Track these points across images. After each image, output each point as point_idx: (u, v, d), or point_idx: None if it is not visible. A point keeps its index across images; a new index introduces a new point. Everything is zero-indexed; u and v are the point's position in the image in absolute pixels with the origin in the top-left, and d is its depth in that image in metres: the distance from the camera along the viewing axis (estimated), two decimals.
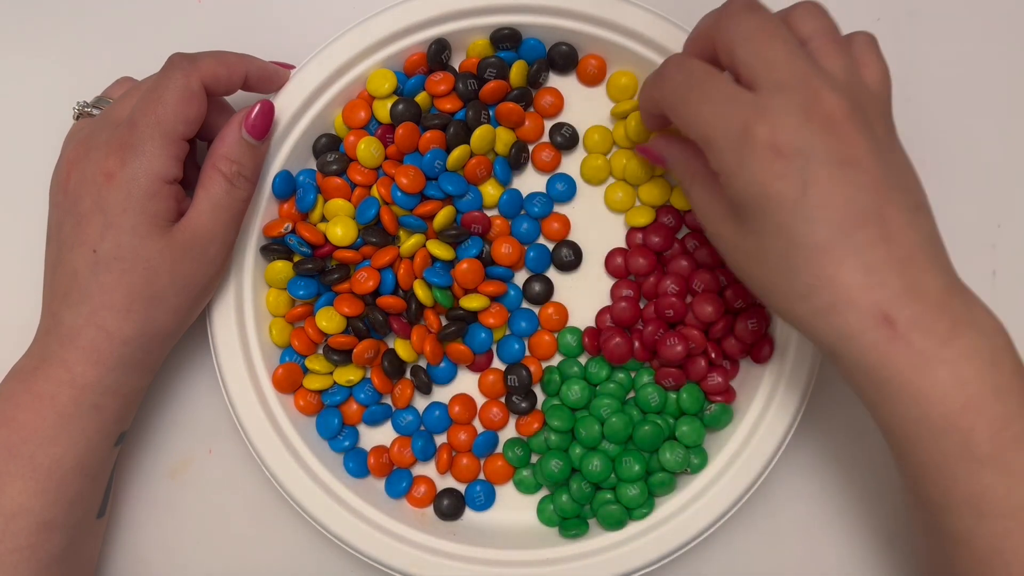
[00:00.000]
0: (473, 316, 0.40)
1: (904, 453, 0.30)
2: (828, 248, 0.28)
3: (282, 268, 0.40)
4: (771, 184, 0.28)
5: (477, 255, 0.40)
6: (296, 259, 0.40)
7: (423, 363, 0.41)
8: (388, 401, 0.41)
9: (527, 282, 0.41)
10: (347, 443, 0.40)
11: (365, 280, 0.39)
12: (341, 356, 0.40)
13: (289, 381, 0.40)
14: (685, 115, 0.31)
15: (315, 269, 0.39)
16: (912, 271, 0.28)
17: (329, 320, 0.39)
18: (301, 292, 0.40)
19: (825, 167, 0.28)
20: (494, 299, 0.40)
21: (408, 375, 0.41)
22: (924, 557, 0.33)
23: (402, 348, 0.40)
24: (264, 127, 0.37)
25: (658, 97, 0.33)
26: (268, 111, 0.38)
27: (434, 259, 0.40)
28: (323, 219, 0.41)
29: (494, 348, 0.41)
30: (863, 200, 0.28)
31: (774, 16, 0.31)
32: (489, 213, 0.42)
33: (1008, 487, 0.28)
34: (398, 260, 0.40)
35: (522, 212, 0.42)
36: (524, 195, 0.42)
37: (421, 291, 0.39)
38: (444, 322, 0.41)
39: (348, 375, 0.40)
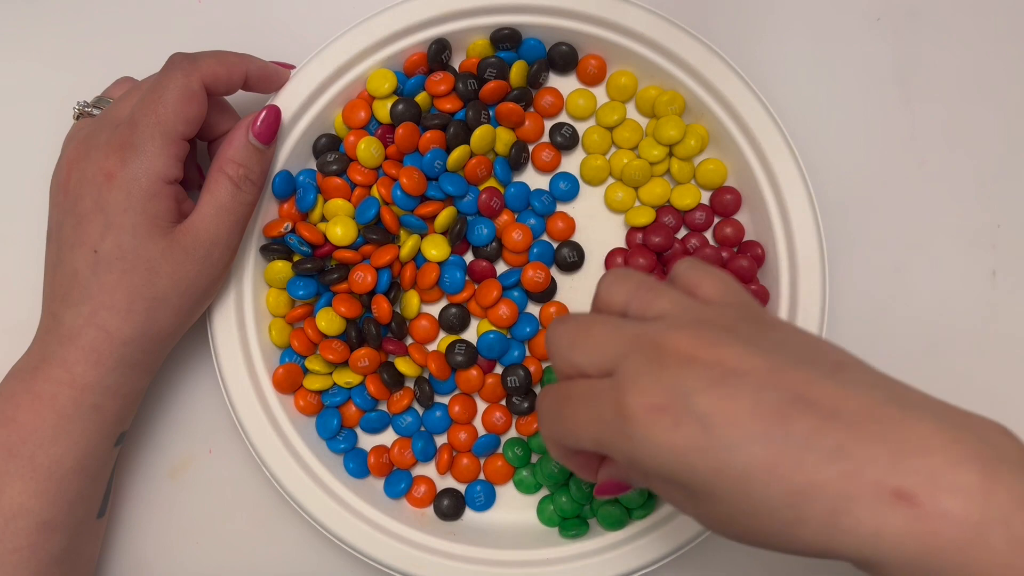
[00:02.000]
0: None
1: None
2: (777, 461, 0.23)
3: (282, 268, 0.40)
4: (672, 439, 0.24)
5: (487, 243, 0.41)
6: (296, 259, 0.40)
7: (425, 373, 0.41)
8: (385, 407, 0.41)
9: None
10: (346, 444, 0.40)
11: (363, 279, 0.39)
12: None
13: (289, 382, 0.40)
14: (569, 435, 0.28)
15: (314, 269, 0.39)
16: (888, 429, 0.23)
17: (329, 321, 0.39)
18: (300, 292, 0.40)
19: (710, 392, 0.24)
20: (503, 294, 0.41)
21: (409, 384, 0.41)
22: None
23: (402, 363, 0.40)
24: (271, 132, 0.37)
25: (547, 433, 0.29)
26: (275, 116, 0.38)
27: (443, 272, 0.40)
28: (323, 219, 0.41)
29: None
30: (769, 397, 0.24)
31: (581, 314, 0.29)
32: None
33: None
34: (398, 262, 0.40)
35: (527, 208, 0.42)
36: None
37: (412, 301, 0.40)
38: (442, 315, 0.41)
39: (347, 377, 0.40)
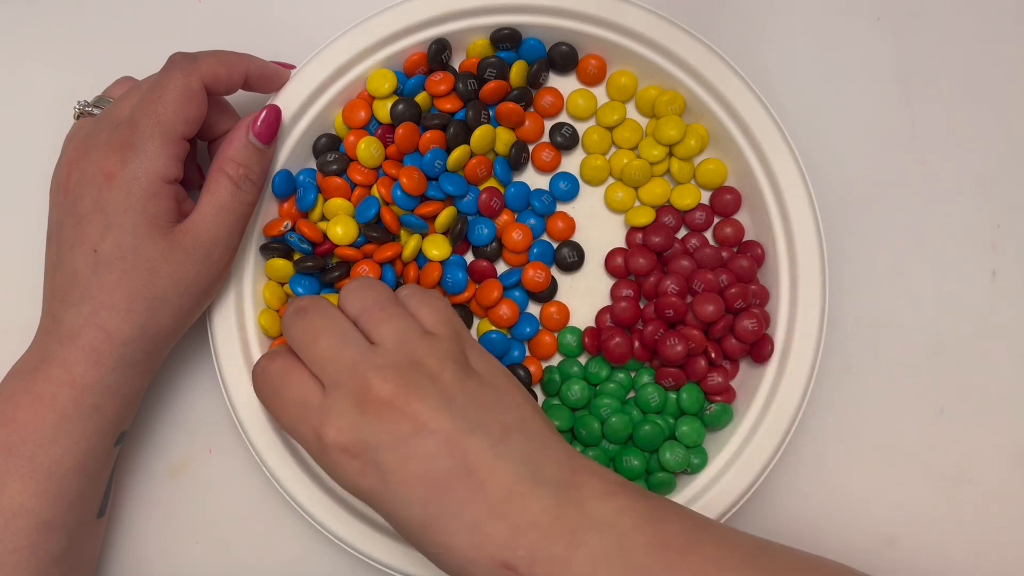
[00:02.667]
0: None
1: None
2: (428, 524, 0.29)
3: (283, 266, 0.40)
4: (356, 483, 0.30)
5: (488, 243, 0.41)
6: (296, 257, 0.40)
7: None
8: None
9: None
10: None
11: (365, 275, 0.39)
12: None
13: None
14: (276, 419, 0.32)
15: (316, 268, 0.39)
16: (513, 508, 0.29)
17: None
18: (301, 290, 0.40)
19: (394, 450, 0.29)
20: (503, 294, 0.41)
21: None
22: None
23: None
24: (271, 132, 0.37)
25: (258, 397, 0.34)
26: (275, 116, 0.38)
27: (445, 272, 0.40)
28: (323, 218, 0.41)
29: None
30: (441, 465, 0.29)
31: (325, 309, 0.33)
32: None
33: None
34: (399, 261, 0.40)
35: (527, 207, 0.42)
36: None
37: None
38: None
39: None
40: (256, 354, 0.39)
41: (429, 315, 0.33)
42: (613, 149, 0.43)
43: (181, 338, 0.38)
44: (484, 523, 0.29)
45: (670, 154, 0.42)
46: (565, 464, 0.30)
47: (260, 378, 0.33)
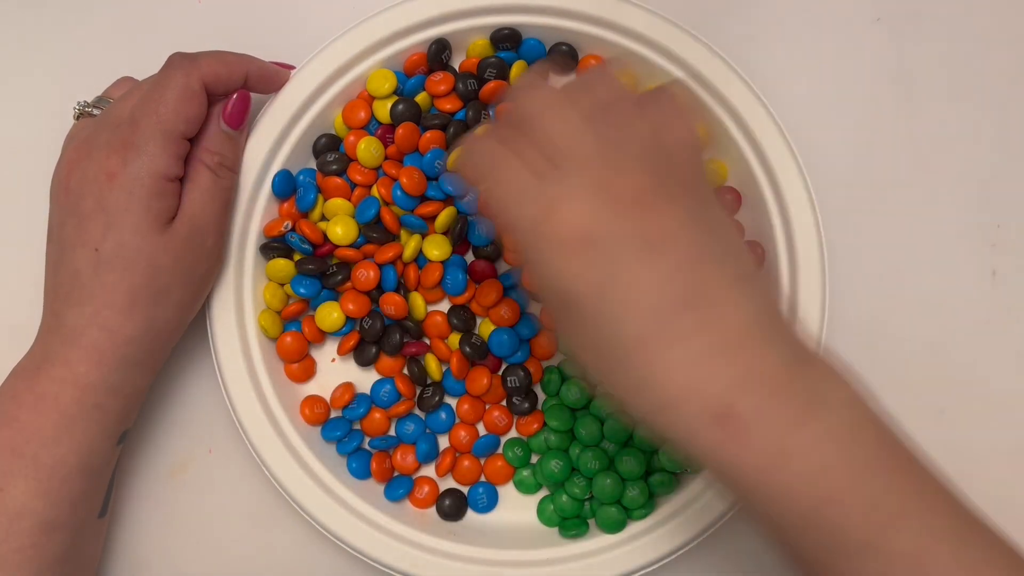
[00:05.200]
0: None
1: (776, 543, 0.28)
2: (645, 343, 0.26)
3: (284, 266, 0.40)
4: (574, 278, 0.26)
5: (488, 243, 0.41)
6: (297, 257, 0.40)
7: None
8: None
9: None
10: (352, 444, 0.40)
11: (366, 276, 0.39)
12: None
13: (296, 350, 0.41)
14: (487, 198, 0.28)
15: (317, 270, 0.40)
16: (745, 354, 0.26)
17: (329, 318, 0.40)
18: (302, 291, 0.40)
19: (630, 253, 0.26)
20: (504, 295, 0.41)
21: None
22: None
23: (430, 361, 0.40)
24: (240, 117, 0.38)
25: (465, 174, 0.30)
26: (244, 100, 0.38)
27: (445, 272, 0.40)
28: (323, 219, 0.41)
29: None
30: (678, 283, 0.26)
31: (554, 91, 0.29)
32: None
33: (886, 571, 0.25)
34: (400, 261, 0.40)
35: None
36: None
37: (418, 302, 0.40)
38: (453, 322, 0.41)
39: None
40: (256, 354, 0.39)
41: (674, 129, 0.29)
42: None
43: (181, 338, 0.38)
44: (712, 359, 0.25)
45: None
46: (794, 332, 0.27)
47: (475, 151, 0.29)
